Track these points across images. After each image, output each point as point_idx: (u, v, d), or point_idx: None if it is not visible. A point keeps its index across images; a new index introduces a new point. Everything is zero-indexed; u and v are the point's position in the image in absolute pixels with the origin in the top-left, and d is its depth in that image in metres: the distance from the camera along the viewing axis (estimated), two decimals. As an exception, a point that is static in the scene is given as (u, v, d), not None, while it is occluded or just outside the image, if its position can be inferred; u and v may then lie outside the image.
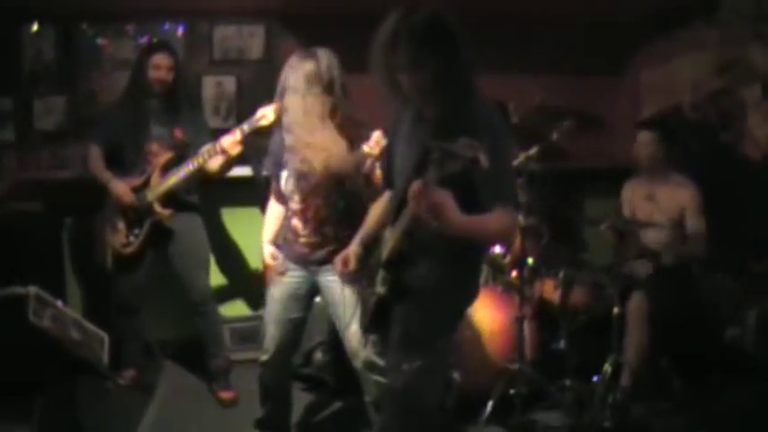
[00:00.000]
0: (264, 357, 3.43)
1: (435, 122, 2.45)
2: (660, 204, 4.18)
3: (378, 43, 2.42)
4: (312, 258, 3.31)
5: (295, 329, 3.44)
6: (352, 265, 2.88)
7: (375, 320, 2.70)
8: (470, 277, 2.72)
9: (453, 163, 2.05)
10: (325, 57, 3.14)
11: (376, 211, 2.96)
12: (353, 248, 2.90)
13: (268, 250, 3.53)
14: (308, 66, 3.13)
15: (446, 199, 2.16)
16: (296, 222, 3.32)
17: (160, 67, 4.12)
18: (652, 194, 4.23)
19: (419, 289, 2.54)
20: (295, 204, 3.30)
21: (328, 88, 3.13)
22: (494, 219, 2.36)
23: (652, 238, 4.10)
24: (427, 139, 2.35)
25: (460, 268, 2.61)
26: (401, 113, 2.70)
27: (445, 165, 2.07)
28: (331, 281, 3.25)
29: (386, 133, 2.90)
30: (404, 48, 2.35)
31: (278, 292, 3.39)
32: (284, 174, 3.32)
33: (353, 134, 3.17)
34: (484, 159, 2.01)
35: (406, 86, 2.43)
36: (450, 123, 2.36)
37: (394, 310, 2.62)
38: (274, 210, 3.56)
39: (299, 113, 3.15)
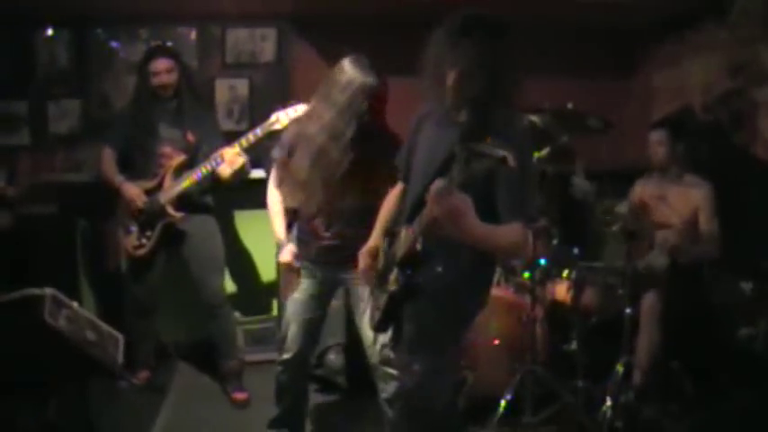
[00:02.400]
0: (286, 356, 3.43)
1: (468, 126, 2.41)
2: (672, 205, 4.17)
3: (439, 38, 2.43)
4: (333, 258, 3.30)
5: (315, 329, 3.46)
6: (376, 259, 2.85)
7: (386, 319, 2.71)
8: (485, 279, 2.72)
9: (479, 162, 2.02)
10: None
11: (389, 205, 2.94)
12: (374, 243, 2.88)
13: (288, 248, 3.42)
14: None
15: (465, 203, 2.15)
16: (317, 223, 3.31)
17: (159, 72, 4.13)
18: (664, 195, 4.22)
19: (433, 289, 2.52)
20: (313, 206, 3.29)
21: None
22: (509, 232, 2.36)
23: (664, 238, 4.09)
24: (455, 144, 2.31)
25: (476, 269, 2.60)
26: (424, 113, 2.71)
27: (471, 164, 2.05)
28: (355, 279, 3.23)
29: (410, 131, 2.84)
30: (469, 45, 2.36)
31: (299, 292, 3.40)
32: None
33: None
34: (512, 159, 1.98)
35: (449, 84, 2.43)
36: (484, 129, 2.29)
37: (406, 309, 2.62)
38: (276, 197, 3.48)
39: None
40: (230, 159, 3.96)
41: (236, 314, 4.71)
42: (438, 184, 2.15)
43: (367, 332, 3.24)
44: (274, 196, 3.48)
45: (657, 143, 4.22)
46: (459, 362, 2.87)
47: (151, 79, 4.14)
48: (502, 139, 2.04)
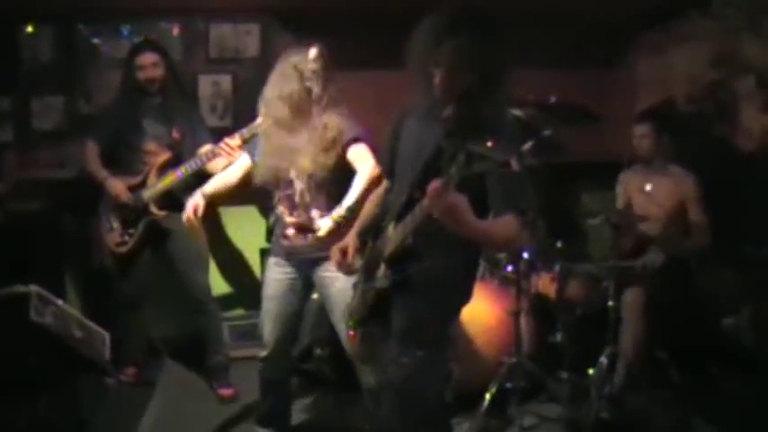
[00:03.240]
0: (264, 353, 3.47)
1: (455, 123, 2.44)
2: (657, 197, 4.18)
3: (421, 36, 2.43)
4: (305, 253, 3.34)
5: (291, 324, 3.49)
6: (350, 256, 2.86)
7: (372, 314, 2.73)
8: (470, 272, 2.76)
9: (480, 165, 2.04)
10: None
11: (371, 204, 2.96)
12: (351, 239, 2.89)
13: (195, 199, 3.52)
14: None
15: (462, 201, 2.17)
16: (282, 209, 3.37)
17: (145, 66, 4.12)
18: (648, 187, 4.24)
19: (421, 283, 2.56)
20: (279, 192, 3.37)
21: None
22: (504, 225, 2.39)
23: (650, 229, 4.12)
24: (442, 139, 2.37)
25: (462, 263, 2.65)
26: (407, 108, 2.71)
27: (472, 166, 2.05)
28: (325, 276, 3.30)
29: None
30: (455, 45, 2.35)
31: (272, 288, 3.43)
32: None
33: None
34: (515, 164, 2.00)
35: (435, 82, 2.43)
36: (472, 126, 2.34)
37: (394, 304, 2.65)
38: (237, 165, 3.61)
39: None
40: (212, 167, 3.96)
41: (222, 310, 4.70)
42: (434, 183, 2.15)
43: (342, 327, 3.28)
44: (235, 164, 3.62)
45: (642, 136, 4.23)
46: (446, 354, 2.83)
47: (137, 73, 4.13)
48: (502, 137, 2.06)
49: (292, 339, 3.60)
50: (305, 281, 3.43)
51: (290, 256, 3.39)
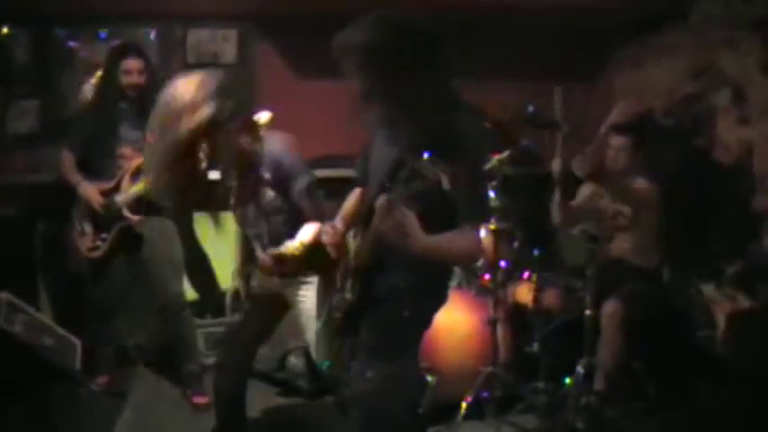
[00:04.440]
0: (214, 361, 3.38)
1: (411, 133, 2.34)
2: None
3: (340, 61, 2.35)
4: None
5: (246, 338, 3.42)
6: (339, 232, 2.71)
7: (345, 326, 2.68)
8: (440, 284, 2.69)
9: (419, 182, 2.03)
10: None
11: (351, 201, 2.88)
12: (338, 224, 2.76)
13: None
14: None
15: (410, 220, 2.13)
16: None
17: (131, 72, 4.09)
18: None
19: (388, 296, 2.50)
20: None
21: None
22: (460, 239, 2.32)
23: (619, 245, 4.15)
24: (398, 151, 2.32)
25: (430, 275, 2.55)
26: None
27: (411, 184, 2.05)
28: (301, 295, 3.25)
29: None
30: (363, 77, 2.30)
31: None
32: None
33: None
34: (446, 182, 1.98)
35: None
36: (426, 136, 2.24)
37: (363, 317, 2.59)
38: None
39: None
40: None
41: (196, 317, 4.67)
42: (381, 200, 2.14)
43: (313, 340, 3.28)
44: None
45: (619, 148, 4.22)
46: (416, 367, 2.77)
47: (121, 78, 4.09)
48: (448, 147, 2.03)
49: (245, 354, 3.47)
50: (268, 296, 3.34)
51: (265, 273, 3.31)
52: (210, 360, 4.56)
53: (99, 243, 4.12)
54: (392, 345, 2.53)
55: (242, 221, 3.21)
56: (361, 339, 2.62)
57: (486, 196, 2.46)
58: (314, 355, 3.41)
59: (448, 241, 2.30)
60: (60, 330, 3.48)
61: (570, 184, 4.87)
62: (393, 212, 2.11)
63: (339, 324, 2.70)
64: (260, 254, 3.13)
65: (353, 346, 2.71)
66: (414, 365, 2.71)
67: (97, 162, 4.18)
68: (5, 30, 4.89)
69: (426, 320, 2.67)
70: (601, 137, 4.09)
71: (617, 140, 4.22)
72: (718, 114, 4.59)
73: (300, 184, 3.06)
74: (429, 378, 3.82)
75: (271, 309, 3.30)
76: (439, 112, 2.28)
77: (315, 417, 4.13)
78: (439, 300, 2.67)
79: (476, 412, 3.85)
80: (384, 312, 2.53)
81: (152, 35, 5.01)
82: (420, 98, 2.27)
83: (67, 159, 4.21)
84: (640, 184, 4.21)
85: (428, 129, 2.26)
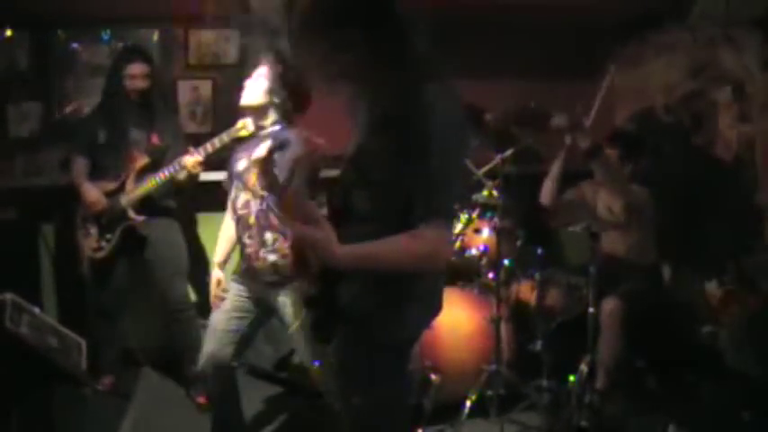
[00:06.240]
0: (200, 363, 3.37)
1: (369, 106, 2.02)
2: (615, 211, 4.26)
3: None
4: (263, 276, 3.27)
5: (235, 339, 3.36)
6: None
7: (316, 334, 2.24)
8: (415, 299, 2.09)
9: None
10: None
11: None
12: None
13: (216, 275, 3.50)
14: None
15: (323, 235, 1.79)
16: (247, 240, 3.28)
17: (136, 76, 4.12)
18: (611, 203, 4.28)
19: (350, 315, 2.05)
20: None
21: None
22: (407, 244, 1.86)
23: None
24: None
25: (398, 289, 2.03)
26: None
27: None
28: (281, 301, 3.26)
29: None
30: (304, 37, 1.95)
31: (224, 304, 3.37)
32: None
33: None
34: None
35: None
36: (385, 113, 1.93)
37: (333, 338, 2.16)
38: (228, 228, 3.49)
39: None
40: (191, 166, 3.93)
41: (200, 318, 4.67)
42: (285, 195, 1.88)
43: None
44: (227, 223, 3.53)
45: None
46: (402, 395, 2.26)
47: (127, 82, 4.12)
48: (409, 125, 1.82)
49: (230, 353, 3.37)
50: (256, 302, 3.34)
51: (246, 275, 3.32)
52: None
53: (103, 243, 4.12)
54: (365, 374, 2.10)
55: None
56: (333, 363, 2.29)
57: (451, 190, 1.96)
58: (303, 356, 3.39)
59: (391, 244, 1.87)
60: (65, 331, 3.48)
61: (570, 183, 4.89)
62: (299, 208, 1.79)
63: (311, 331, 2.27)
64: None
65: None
66: (400, 394, 2.25)
67: (102, 162, 4.19)
68: (8, 32, 4.89)
69: (403, 345, 2.18)
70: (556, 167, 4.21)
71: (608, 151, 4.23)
72: (718, 111, 4.61)
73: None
74: (432, 377, 3.83)
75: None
76: (399, 80, 1.91)
77: (315, 417, 4.13)
78: (420, 318, 2.19)
79: (479, 411, 3.85)
80: (349, 335, 2.10)
81: (153, 36, 5.01)
82: (374, 61, 1.92)
83: (80, 168, 4.21)
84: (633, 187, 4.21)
85: (387, 100, 1.93)
